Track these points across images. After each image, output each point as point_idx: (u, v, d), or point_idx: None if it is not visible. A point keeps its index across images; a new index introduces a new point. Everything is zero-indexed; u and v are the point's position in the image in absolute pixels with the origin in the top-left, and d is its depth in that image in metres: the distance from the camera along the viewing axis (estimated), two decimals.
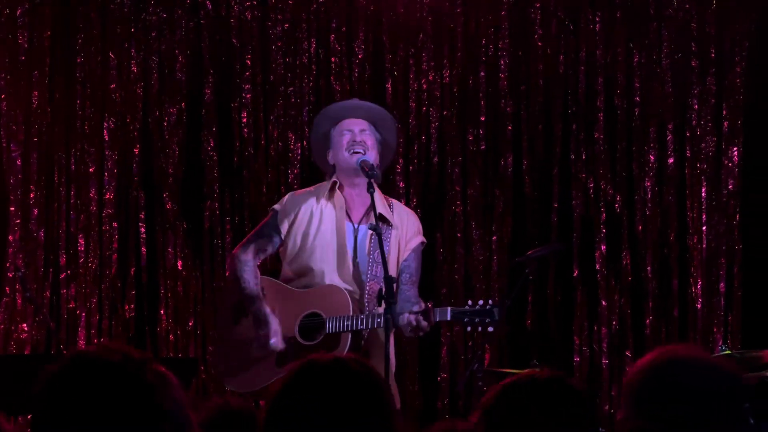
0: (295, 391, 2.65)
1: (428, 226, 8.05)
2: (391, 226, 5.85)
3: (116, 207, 8.13)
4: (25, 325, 7.91)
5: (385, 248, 5.72)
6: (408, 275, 5.91)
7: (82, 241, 8.06)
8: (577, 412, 2.96)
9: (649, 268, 8.14)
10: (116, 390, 2.35)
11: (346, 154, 5.87)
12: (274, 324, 5.82)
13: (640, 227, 8.17)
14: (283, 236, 5.98)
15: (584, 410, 2.96)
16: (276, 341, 5.82)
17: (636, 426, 2.89)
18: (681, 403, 2.85)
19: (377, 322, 5.60)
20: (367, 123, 5.95)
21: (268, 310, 5.85)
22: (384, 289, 5.41)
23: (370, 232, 5.82)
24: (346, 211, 5.93)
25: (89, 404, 2.34)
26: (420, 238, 6.02)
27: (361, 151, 5.85)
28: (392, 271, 5.71)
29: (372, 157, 5.85)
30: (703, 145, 8.15)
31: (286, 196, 6.08)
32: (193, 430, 2.43)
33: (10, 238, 7.96)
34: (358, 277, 5.86)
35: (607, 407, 8.05)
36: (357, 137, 5.88)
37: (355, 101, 6.11)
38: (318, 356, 2.71)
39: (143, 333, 8.08)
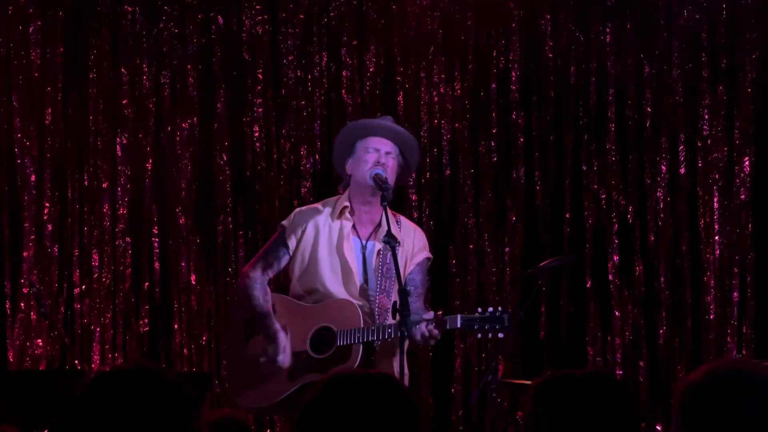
0: (324, 405, 2.66)
1: (441, 239, 8.08)
2: (397, 242, 5.87)
3: (129, 222, 8.15)
4: (40, 340, 7.94)
5: (393, 264, 5.74)
6: (413, 288, 5.92)
7: (95, 257, 8.09)
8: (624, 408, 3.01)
9: (662, 278, 8.14)
10: (149, 407, 2.36)
11: (367, 174, 5.85)
12: (282, 341, 5.85)
13: (653, 237, 8.17)
14: (291, 252, 6.00)
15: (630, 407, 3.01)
16: (283, 358, 5.84)
17: None
18: (733, 420, 2.78)
19: (387, 333, 5.63)
20: (393, 145, 5.95)
21: (277, 326, 5.87)
22: (398, 302, 5.44)
23: (378, 248, 5.86)
24: (354, 227, 5.95)
25: (121, 421, 2.35)
26: (425, 254, 6.03)
27: (381, 172, 5.85)
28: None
29: (389, 180, 5.86)
30: (714, 155, 8.15)
31: (294, 212, 6.09)
32: None
33: (25, 254, 7.99)
34: (366, 292, 5.88)
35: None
36: (382, 159, 5.88)
37: (388, 122, 6.06)
38: (347, 371, 2.73)
39: (157, 347, 8.10)
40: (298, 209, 6.13)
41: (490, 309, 5.66)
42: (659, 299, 8.13)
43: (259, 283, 5.97)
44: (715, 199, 8.13)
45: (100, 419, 2.38)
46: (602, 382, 3.17)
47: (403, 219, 6.06)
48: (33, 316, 7.93)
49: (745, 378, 2.82)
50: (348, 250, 5.91)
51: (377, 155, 5.88)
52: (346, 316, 5.77)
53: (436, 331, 5.59)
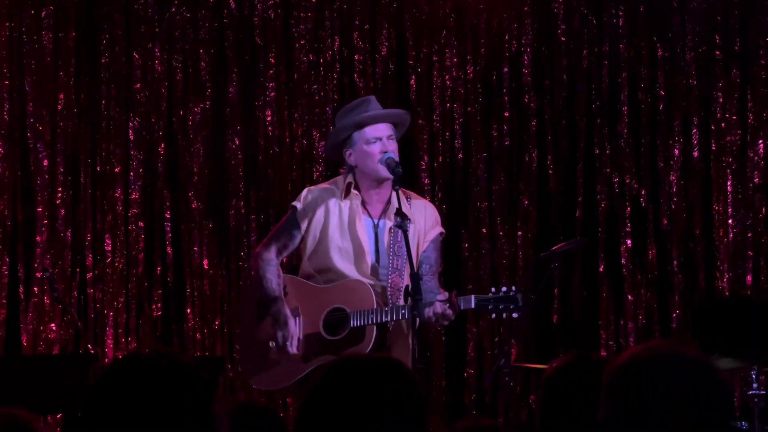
0: (328, 390, 2.66)
1: (453, 223, 8.06)
2: (409, 220, 5.86)
3: (142, 207, 8.16)
4: (53, 325, 7.95)
5: (404, 243, 5.74)
6: (428, 266, 5.92)
7: (108, 241, 8.10)
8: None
9: (675, 262, 8.12)
10: (165, 392, 2.36)
11: (379, 165, 5.84)
12: (292, 328, 5.85)
13: (666, 221, 8.15)
14: (303, 232, 6.00)
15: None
16: (292, 347, 5.85)
17: (613, 426, 2.80)
18: (657, 403, 2.76)
19: (402, 313, 5.64)
20: (392, 127, 5.95)
21: (287, 312, 5.87)
22: (410, 286, 5.44)
23: (389, 226, 5.86)
24: (365, 206, 5.95)
25: (138, 406, 2.35)
26: (439, 229, 6.03)
27: (393, 156, 5.85)
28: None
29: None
30: (728, 138, 8.12)
31: (304, 192, 6.09)
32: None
33: (38, 238, 8.00)
34: (377, 272, 5.89)
35: None
36: (387, 147, 5.87)
37: (378, 108, 6.04)
38: (349, 355, 2.72)
39: (170, 332, 8.11)
40: (307, 189, 6.13)
41: (504, 289, 5.66)
42: (672, 283, 8.11)
43: (272, 266, 5.97)
44: (729, 183, 8.10)
45: (119, 404, 2.38)
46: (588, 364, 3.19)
47: (413, 196, 6.06)
48: (46, 300, 7.94)
49: (671, 359, 2.80)
50: (360, 229, 5.91)
51: (381, 145, 5.87)
52: (359, 297, 5.78)
53: (449, 312, 5.60)
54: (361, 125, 5.92)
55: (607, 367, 2.84)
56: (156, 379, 2.41)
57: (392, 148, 5.87)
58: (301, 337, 5.90)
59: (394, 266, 5.87)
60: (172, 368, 2.43)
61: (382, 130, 5.90)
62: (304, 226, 6.00)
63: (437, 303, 5.58)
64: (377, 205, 5.97)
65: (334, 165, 8.04)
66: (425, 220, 5.98)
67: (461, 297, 5.66)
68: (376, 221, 5.95)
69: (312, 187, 6.16)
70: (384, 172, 5.82)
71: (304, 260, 6.04)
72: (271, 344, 5.90)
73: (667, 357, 2.80)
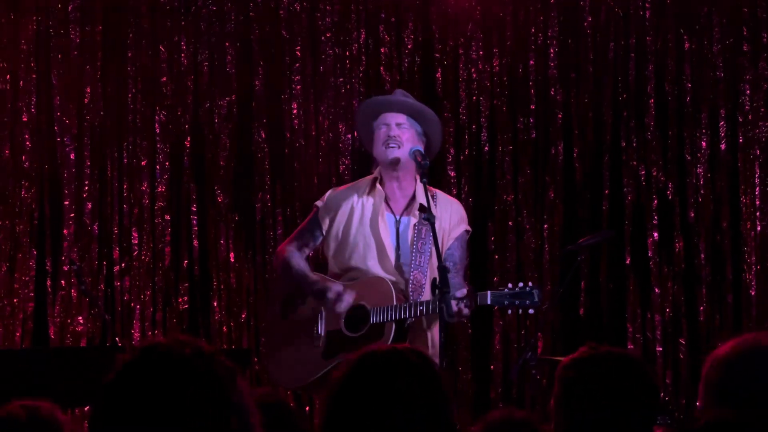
0: (354, 382, 2.66)
1: (479, 216, 8.06)
2: (434, 217, 5.86)
3: (168, 200, 8.18)
4: (80, 317, 7.99)
5: (429, 239, 5.75)
6: (452, 264, 5.92)
7: (135, 234, 8.12)
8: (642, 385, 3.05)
9: (702, 254, 8.09)
10: (187, 383, 2.36)
11: (382, 148, 5.91)
12: (334, 284, 5.85)
13: (693, 214, 8.12)
14: (324, 231, 6.03)
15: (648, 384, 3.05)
16: (348, 299, 5.84)
17: (716, 416, 2.80)
18: (763, 394, 2.75)
19: (420, 310, 5.65)
20: (404, 116, 5.96)
21: (322, 282, 5.90)
22: (438, 279, 5.43)
23: (414, 222, 5.87)
24: (388, 203, 5.96)
25: (160, 396, 2.35)
26: (464, 227, 6.03)
27: (395, 146, 5.87)
28: (436, 262, 5.73)
29: (407, 150, 5.88)
30: (756, 130, 8.09)
31: (328, 192, 6.13)
32: (257, 423, 2.44)
33: (65, 231, 8.03)
34: (400, 268, 5.89)
35: (661, 395, 8.01)
36: (392, 131, 5.90)
37: (396, 96, 6.09)
38: (376, 347, 2.72)
39: (197, 325, 8.13)
40: (332, 189, 6.18)
41: (521, 284, 5.65)
42: (699, 276, 8.09)
43: (295, 254, 6.01)
44: (756, 175, 8.07)
45: (140, 393, 2.38)
46: (619, 362, 3.19)
47: (439, 193, 6.06)
48: (73, 293, 7.98)
49: None
50: (382, 226, 5.92)
51: (386, 129, 5.91)
52: (380, 294, 5.78)
53: (466, 310, 5.59)
54: (376, 113, 5.99)
55: (711, 357, 2.84)
56: (177, 369, 2.41)
57: (405, 135, 5.88)
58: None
59: (417, 263, 5.88)
60: (193, 357, 2.42)
61: (393, 117, 5.95)
62: (325, 225, 6.03)
63: (453, 302, 5.56)
64: (401, 201, 5.98)
65: (360, 158, 8.07)
66: (450, 217, 5.98)
67: (477, 293, 5.66)
68: (398, 217, 5.96)
69: (336, 188, 6.22)
70: (386, 155, 5.86)
71: (329, 260, 6.08)
72: (337, 308, 5.85)
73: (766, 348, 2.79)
